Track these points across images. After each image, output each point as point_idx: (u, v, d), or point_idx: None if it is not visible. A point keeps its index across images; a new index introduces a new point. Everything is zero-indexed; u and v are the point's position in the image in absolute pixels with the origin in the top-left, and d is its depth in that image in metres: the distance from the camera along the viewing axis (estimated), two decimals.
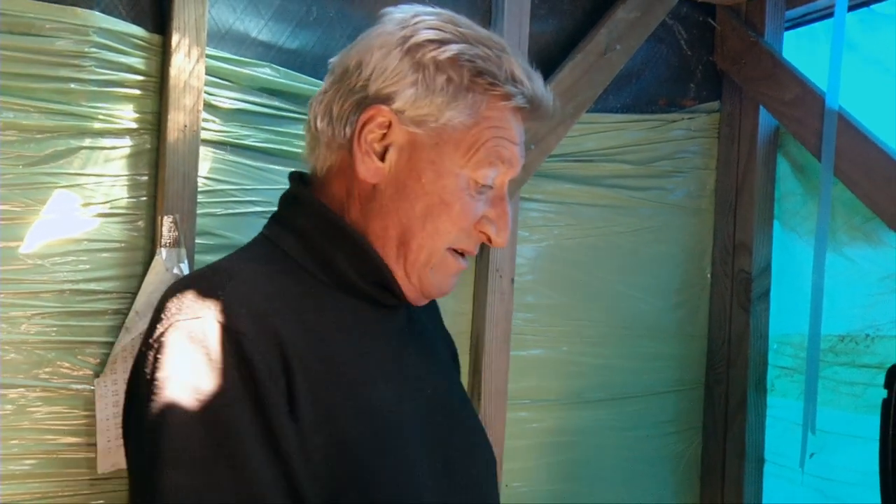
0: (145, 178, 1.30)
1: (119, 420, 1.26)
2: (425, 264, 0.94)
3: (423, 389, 0.98)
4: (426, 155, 0.91)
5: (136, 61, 1.28)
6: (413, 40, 0.90)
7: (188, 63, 1.28)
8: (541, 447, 1.72)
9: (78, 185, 1.24)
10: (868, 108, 1.59)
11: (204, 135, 1.31)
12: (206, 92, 1.31)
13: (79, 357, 1.25)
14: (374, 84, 0.90)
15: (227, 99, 1.36)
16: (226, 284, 0.85)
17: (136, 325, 1.25)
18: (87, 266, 1.25)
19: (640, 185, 1.80)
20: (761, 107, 1.77)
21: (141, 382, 0.82)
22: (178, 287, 0.87)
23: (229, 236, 1.36)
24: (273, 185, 1.39)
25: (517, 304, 1.63)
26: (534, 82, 0.94)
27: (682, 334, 1.86)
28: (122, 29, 1.26)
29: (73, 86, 1.23)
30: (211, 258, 1.24)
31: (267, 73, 1.39)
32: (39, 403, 1.23)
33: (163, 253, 1.27)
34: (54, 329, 1.24)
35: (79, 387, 1.25)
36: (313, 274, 0.92)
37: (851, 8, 1.63)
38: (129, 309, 1.27)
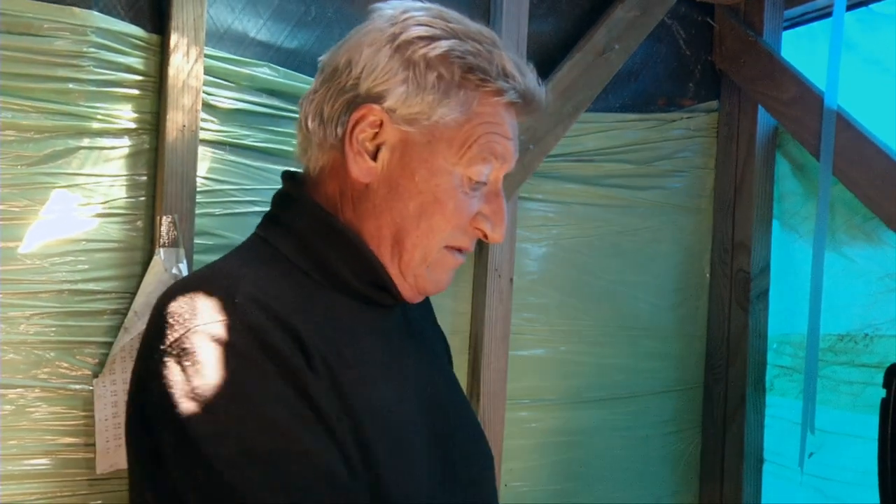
0: (144, 178, 1.30)
1: (118, 420, 1.27)
2: (421, 263, 0.93)
3: (422, 388, 0.98)
4: (419, 153, 0.90)
5: (135, 61, 1.28)
6: (403, 37, 0.89)
7: (187, 63, 1.28)
8: (540, 447, 1.72)
9: (76, 185, 1.24)
10: (867, 108, 1.59)
11: (203, 135, 1.31)
12: (204, 92, 1.31)
13: (77, 357, 1.25)
14: (365, 83, 0.89)
15: (225, 99, 1.36)
16: (236, 286, 0.84)
17: (135, 325, 1.24)
18: (86, 266, 1.25)
19: (639, 184, 1.80)
20: (760, 106, 1.77)
21: (170, 392, 0.79)
22: (181, 291, 0.85)
23: (228, 236, 1.36)
24: (272, 185, 1.39)
25: (516, 303, 1.63)
26: (525, 76, 0.93)
27: (681, 334, 1.86)
28: (121, 29, 1.26)
29: (71, 86, 1.23)
30: (210, 258, 1.24)
31: (265, 72, 1.39)
32: (38, 404, 1.23)
33: (161, 253, 1.27)
34: (53, 329, 1.24)
35: (77, 387, 1.25)
36: (308, 274, 0.92)
37: (850, 7, 1.63)
38: (127, 309, 1.27)
